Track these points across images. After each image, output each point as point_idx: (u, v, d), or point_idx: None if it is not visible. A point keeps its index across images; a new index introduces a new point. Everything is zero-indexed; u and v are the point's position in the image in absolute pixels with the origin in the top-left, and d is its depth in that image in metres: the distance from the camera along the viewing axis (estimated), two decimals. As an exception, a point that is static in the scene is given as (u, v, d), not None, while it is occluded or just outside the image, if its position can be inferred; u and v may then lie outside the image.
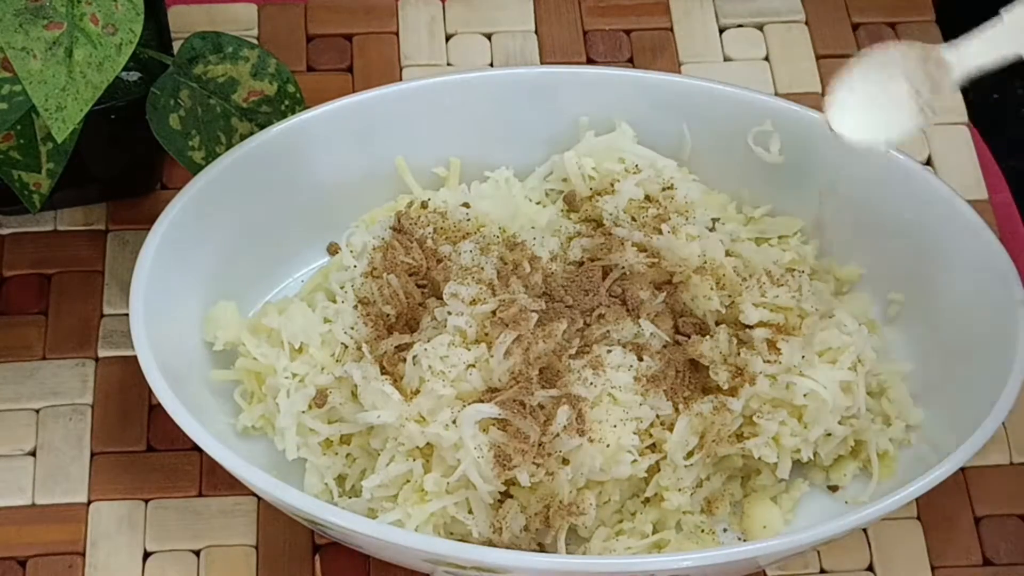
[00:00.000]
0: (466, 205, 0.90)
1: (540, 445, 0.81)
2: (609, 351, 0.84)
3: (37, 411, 0.91)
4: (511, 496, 0.83)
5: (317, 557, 0.87)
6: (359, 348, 0.85)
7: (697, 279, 0.86)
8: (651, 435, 0.84)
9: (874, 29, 1.07)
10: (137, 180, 0.98)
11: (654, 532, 0.84)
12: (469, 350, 0.83)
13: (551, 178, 0.95)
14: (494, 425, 0.82)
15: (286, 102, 0.91)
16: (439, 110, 0.93)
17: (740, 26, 1.07)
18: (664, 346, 0.86)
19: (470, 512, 0.82)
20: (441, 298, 0.85)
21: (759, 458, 0.85)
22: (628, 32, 1.07)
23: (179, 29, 0.98)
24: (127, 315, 0.84)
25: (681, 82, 0.95)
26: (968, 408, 0.84)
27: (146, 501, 0.88)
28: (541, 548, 0.84)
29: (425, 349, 0.83)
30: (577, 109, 0.94)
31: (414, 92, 0.93)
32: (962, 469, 0.88)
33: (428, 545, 0.78)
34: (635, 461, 0.83)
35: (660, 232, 0.88)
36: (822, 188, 0.92)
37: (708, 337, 0.85)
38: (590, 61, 1.05)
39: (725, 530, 0.86)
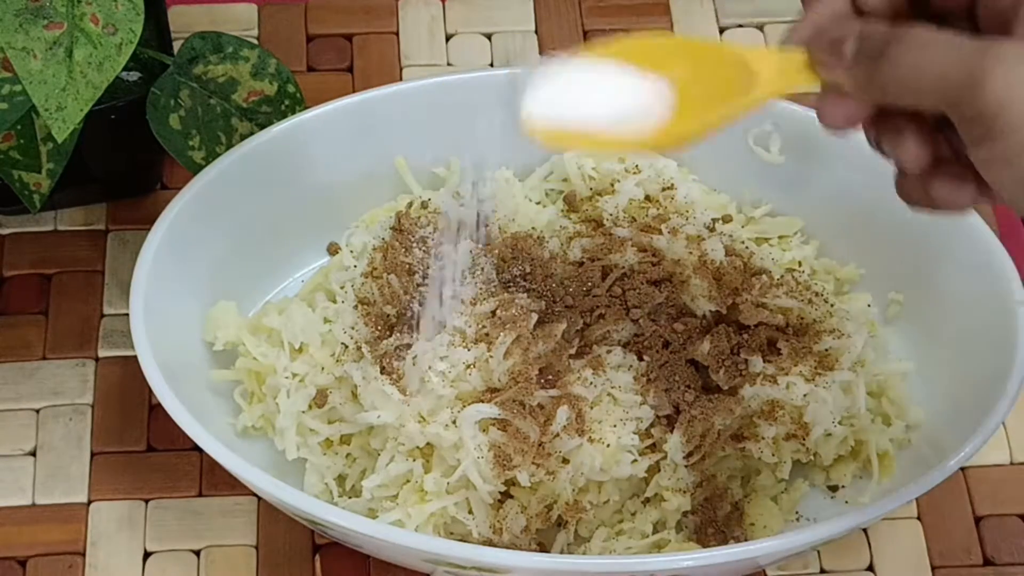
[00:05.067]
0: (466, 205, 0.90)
1: (540, 445, 0.81)
2: (609, 351, 0.84)
3: (37, 411, 0.91)
4: (511, 496, 0.83)
5: (317, 557, 0.87)
6: (359, 348, 0.85)
7: (697, 279, 0.86)
8: (651, 435, 0.84)
9: (874, 29, 1.07)
10: (137, 180, 0.98)
11: (654, 532, 0.84)
12: (469, 350, 0.83)
13: (551, 178, 0.95)
14: (494, 425, 0.82)
15: (286, 102, 0.91)
16: (439, 110, 0.93)
17: (740, 26, 1.08)
18: (664, 346, 0.86)
19: (470, 512, 0.82)
20: (441, 298, 0.85)
21: (759, 458, 0.85)
22: (628, 32, 1.07)
23: (179, 29, 0.98)
24: (127, 315, 0.84)
25: (681, 82, 0.95)
26: (968, 408, 0.84)
27: (146, 501, 0.88)
28: (541, 548, 0.84)
29: (425, 349, 0.83)
30: (577, 109, 0.94)
31: (414, 92, 0.93)
32: (962, 469, 0.88)
33: (428, 545, 0.78)
34: (635, 461, 0.83)
35: (660, 232, 0.88)
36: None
37: (708, 337, 0.85)
38: (590, 61, 1.05)
39: (724, 531, 0.86)
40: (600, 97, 0.69)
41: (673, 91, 0.68)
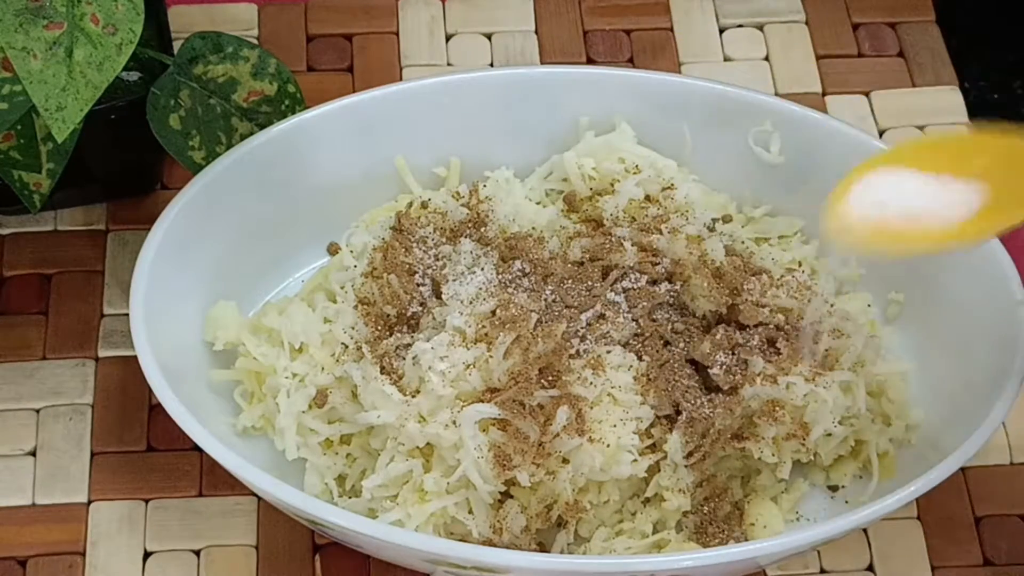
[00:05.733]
0: (467, 205, 0.90)
1: (540, 445, 0.81)
2: (609, 351, 0.84)
3: (37, 411, 0.91)
4: (511, 496, 0.83)
5: (317, 557, 0.87)
6: (359, 348, 0.85)
7: (697, 279, 0.86)
8: (651, 435, 0.84)
9: (874, 29, 1.07)
10: (137, 180, 0.98)
11: (654, 532, 0.84)
12: (469, 350, 0.83)
13: (551, 178, 0.95)
14: (494, 425, 0.82)
15: (286, 102, 0.91)
16: (439, 110, 0.93)
17: (740, 26, 1.08)
18: (664, 346, 0.86)
19: (470, 512, 0.82)
20: (441, 298, 0.85)
21: (759, 458, 0.85)
22: (628, 32, 1.07)
23: (179, 29, 0.98)
24: (127, 315, 0.84)
25: (681, 82, 0.95)
26: (968, 408, 0.84)
27: (146, 501, 0.88)
28: (541, 548, 0.84)
29: (425, 349, 0.83)
30: (577, 109, 0.94)
31: (414, 92, 0.93)
32: (962, 469, 0.88)
33: (428, 545, 0.78)
34: (635, 461, 0.83)
35: (660, 232, 0.88)
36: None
37: (708, 337, 0.85)
38: (590, 61, 1.05)
39: (724, 531, 0.86)
40: (911, 200, 0.73)
41: (979, 188, 0.71)
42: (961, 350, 0.88)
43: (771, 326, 0.86)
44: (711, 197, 0.93)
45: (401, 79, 1.04)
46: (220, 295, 0.89)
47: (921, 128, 1.03)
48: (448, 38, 1.06)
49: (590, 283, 0.87)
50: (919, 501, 0.89)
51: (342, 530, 0.80)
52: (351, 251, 0.89)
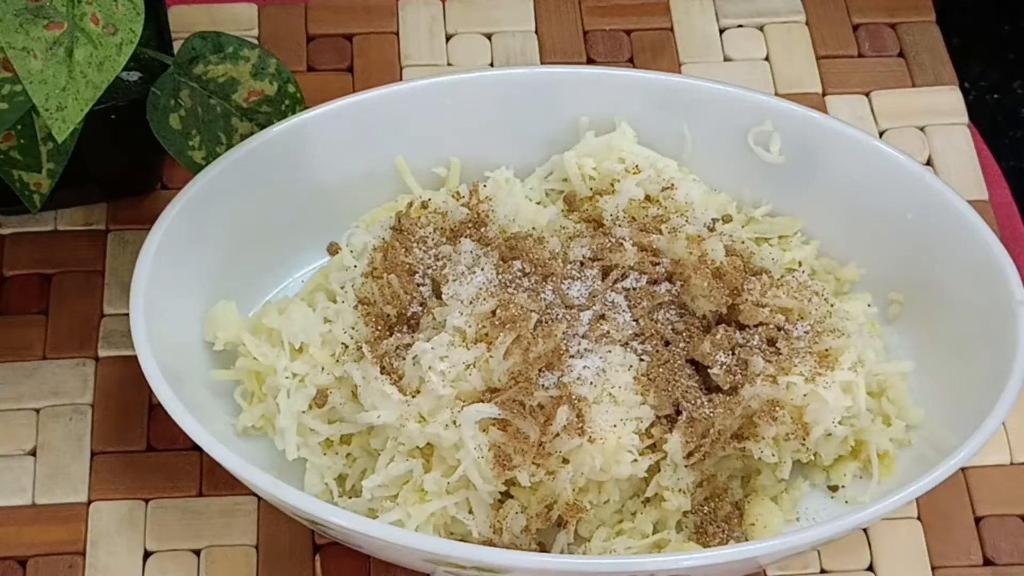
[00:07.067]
0: (467, 205, 0.90)
1: (540, 445, 0.81)
2: (609, 351, 0.84)
3: (37, 411, 0.91)
4: (511, 496, 0.83)
5: (317, 557, 0.87)
6: (359, 348, 0.85)
7: (697, 279, 0.86)
8: (651, 435, 0.84)
9: (874, 29, 1.07)
10: (137, 180, 0.98)
11: (654, 532, 0.84)
12: (469, 350, 0.83)
13: (551, 178, 0.95)
14: (494, 425, 0.82)
15: (286, 102, 0.91)
16: (439, 110, 0.93)
17: (740, 26, 1.08)
18: (664, 346, 0.86)
19: (470, 512, 0.82)
20: (441, 298, 0.85)
21: (759, 458, 0.85)
22: (628, 32, 1.07)
23: (179, 29, 0.98)
24: (127, 315, 0.84)
25: (681, 82, 0.95)
26: (968, 408, 0.84)
27: (146, 501, 0.88)
28: (541, 548, 0.84)
29: (425, 349, 0.83)
30: (577, 109, 0.94)
31: (414, 92, 0.93)
32: (962, 469, 0.88)
33: (428, 545, 0.78)
34: (635, 461, 0.83)
35: (660, 232, 0.88)
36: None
37: (708, 337, 0.85)
38: (590, 61, 1.05)
39: (724, 531, 0.86)
40: None
41: None
42: (961, 350, 0.88)
43: (771, 326, 0.86)
44: (711, 197, 0.93)
45: (401, 79, 1.04)
46: (220, 295, 0.89)
47: (921, 128, 1.03)
48: (448, 38, 1.06)
49: (590, 283, 0.87)
50: (919, 501, 0.89)
51: (342, 530, 0.80)
52: (351, 251, 0.89)
